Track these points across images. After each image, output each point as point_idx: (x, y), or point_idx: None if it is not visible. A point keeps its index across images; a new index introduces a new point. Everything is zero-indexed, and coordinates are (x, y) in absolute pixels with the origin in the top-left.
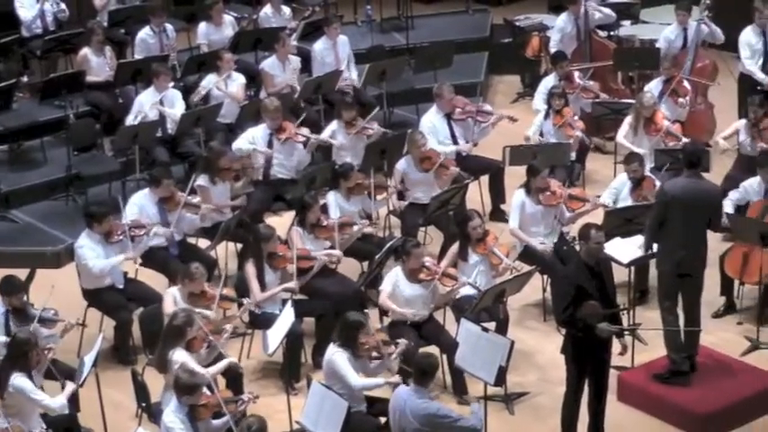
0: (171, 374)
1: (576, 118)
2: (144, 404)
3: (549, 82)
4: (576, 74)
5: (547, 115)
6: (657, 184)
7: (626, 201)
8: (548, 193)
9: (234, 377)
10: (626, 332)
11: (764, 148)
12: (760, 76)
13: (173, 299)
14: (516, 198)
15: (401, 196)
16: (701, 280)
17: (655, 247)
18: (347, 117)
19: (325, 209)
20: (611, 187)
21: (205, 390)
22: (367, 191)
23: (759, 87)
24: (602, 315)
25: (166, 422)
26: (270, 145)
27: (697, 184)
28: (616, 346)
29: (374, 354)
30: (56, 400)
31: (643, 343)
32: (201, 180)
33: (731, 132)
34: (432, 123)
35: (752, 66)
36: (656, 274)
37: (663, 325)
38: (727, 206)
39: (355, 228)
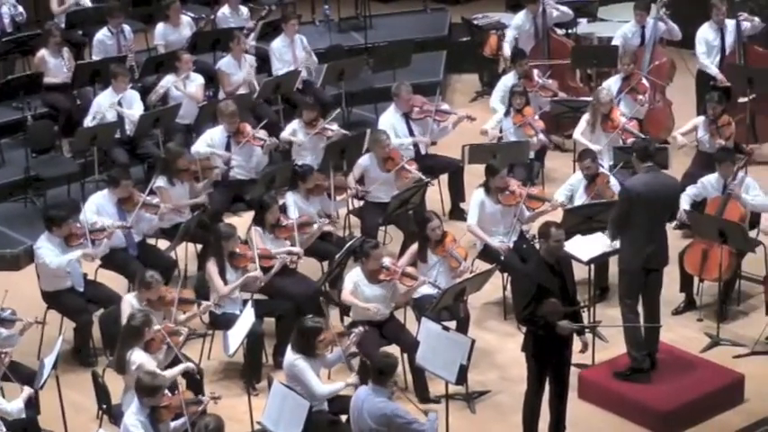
0: (129, 375)
1: (537, 117)
2: (105, 406)
3: (507, 80)
4: (536, 72)
5: (507, 113)
6: (612, 180)
7: (581, 198)
8: (507, 192)
9: (194, 378)
10: (586, 330)
11: (723, 144)
12: (713, 71)
13: (130, 307)
14: (476, 197)
15: (361, 198)
16: (662, 275)
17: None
18: (308, 117)
19: (284, 209)
20: (567, 184)
21: (167, 391)
22: (326, 191)
23: (711, 83)
24: (563, 313)
25: (127, 424)
26: (228, 147)
27: (657, 179)
28: (577, 343)
29: (332, 347)
30: (12, 405)
31: (603, 340)
32: (160, 181)
33: (689, 129)
34: (390, 123)
35: (705, 61)
36: (617, 271)
37: (623, 322)
38: (684, 202)
39: (315, 226)
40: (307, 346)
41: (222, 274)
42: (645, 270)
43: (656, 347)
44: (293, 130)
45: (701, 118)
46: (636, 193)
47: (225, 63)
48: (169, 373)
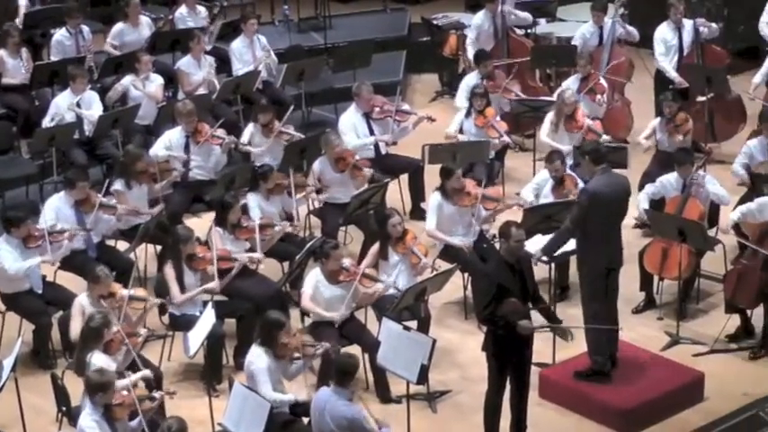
0: None
1: (499, 119)
2: (64, 408)
3: (470, 80)
4: (498, 72)
5: (468, 114)
6: (579, 181)
7: (547, 198)
8: (463, 193)
9: (154, 379)
10: (547, 329)
11: (681, 140)
12: (673, 74)
13: (80, 308)
14: (433, 200)
15: (319, 192)
16: (618, 275)
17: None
18: (264, 120)
19: (245, 210)
20: (533, 182)
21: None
22: (287, 190)
23: (671, 87)
24: (524, 312)
25: (82, 425)
26: (187, 147)
27: (612, 179)
28: (537, 343)
29: (295, 355)
30: None
31: (564, 340)
32: (117, 184)
33: (650, 132)
34: (351, 123)
35: (665, 63)
36: (580, 276)
37: (588, 328)
38: (643, 200)
39: (276, 228)
40: (268, 337)
41: (180, 278)
42: (607, 270)
43: (615, 347)
44: (251, 133)
45: (658, 119)
46: (600, 194)
47: (184, 63)
48: (125, 381)
